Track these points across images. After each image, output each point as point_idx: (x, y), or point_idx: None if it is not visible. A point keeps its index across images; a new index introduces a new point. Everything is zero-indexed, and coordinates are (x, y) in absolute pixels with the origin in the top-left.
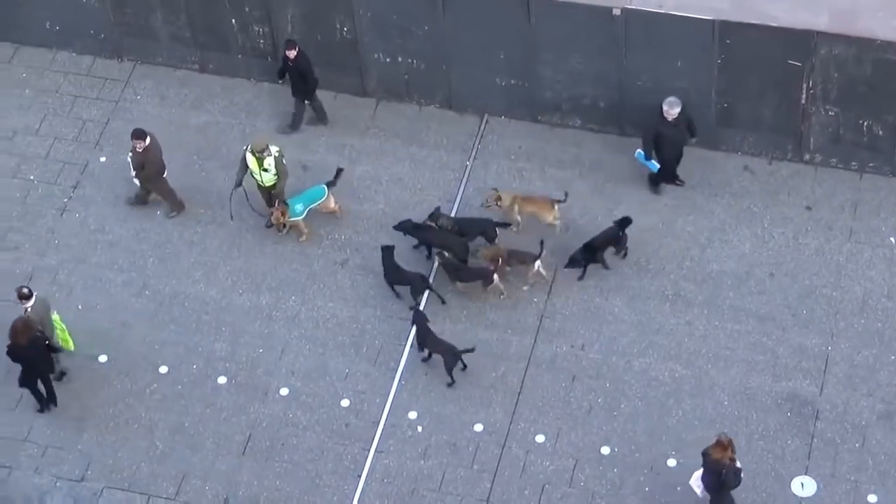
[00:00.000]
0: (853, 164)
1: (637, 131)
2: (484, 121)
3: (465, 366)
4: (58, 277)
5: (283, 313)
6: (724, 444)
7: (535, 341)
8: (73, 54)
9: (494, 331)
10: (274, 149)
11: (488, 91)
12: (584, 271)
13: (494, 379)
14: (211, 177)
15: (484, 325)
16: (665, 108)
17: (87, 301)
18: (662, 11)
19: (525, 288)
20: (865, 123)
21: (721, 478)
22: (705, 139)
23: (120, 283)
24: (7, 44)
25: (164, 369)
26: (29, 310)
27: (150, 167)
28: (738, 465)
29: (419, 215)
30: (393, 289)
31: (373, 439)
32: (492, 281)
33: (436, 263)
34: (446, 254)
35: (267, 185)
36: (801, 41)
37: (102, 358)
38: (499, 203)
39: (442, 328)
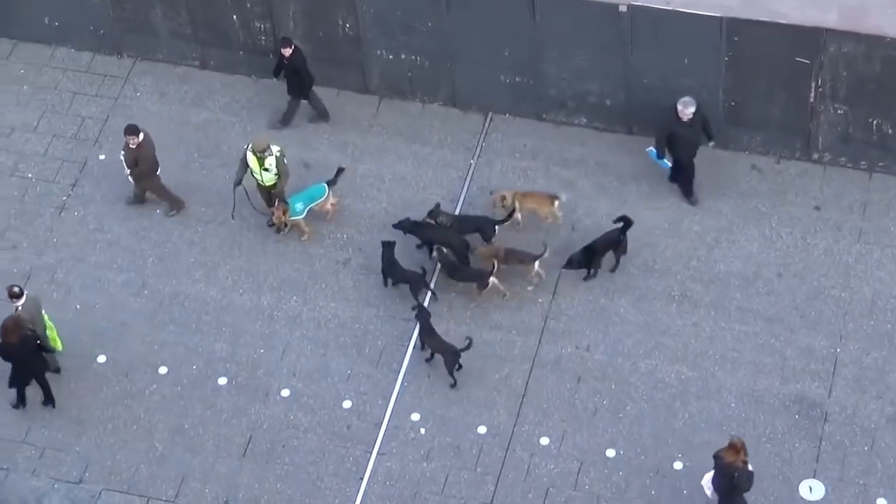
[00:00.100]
0: (862, 163)
1: (643, 130)
2: (488, 119)
3: (460, 365)
4: (56, 277)
5: (284, 313)
6: (736, 447)
7: (539, 342)
8: (72, 50)
9: (498, 332)
10: (275, 148)
11: (493, 88)
12: (590, 272)
13: (498, 380)
14: (211, 175)
15: (488, 326)
16: (679, 107)
17: (85, 301)
18: (669, 8)
19: (529, 288)
20: (875, 122)
21: (733, 481)
22: None
23: (119, 283)
24: (5, 40)
25: (163, 370)
26: (19, 308)
27: (143, 164)
28: (750, 468)
29: (422, 214)
30: (385, 281)
31: (375, 441)
32: (487, 284)
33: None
34: (445, 251)
35: (267, 184)
36: (809, 38)
37: (101, 358)
38: (504, 204)
39: (446, 329)
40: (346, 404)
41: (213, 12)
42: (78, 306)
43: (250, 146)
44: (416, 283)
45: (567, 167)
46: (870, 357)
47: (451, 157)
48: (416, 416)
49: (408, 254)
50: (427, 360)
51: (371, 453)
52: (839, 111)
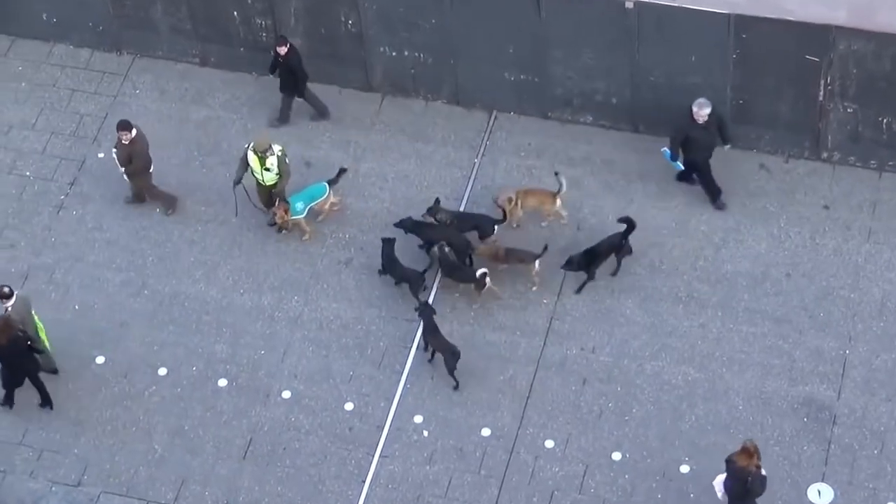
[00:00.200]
0: (872, 162)
1: (650, 128)
2: (492, 117)
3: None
4: (54, 276)
5: (285, 314)
6: (749, 451)
7: (544, 343)
8: (71, 47)
9: (503, 333)
10: (277, 148)
11: (497, 86)
12: (587, 279)
13: (502, 382)
14: (212, 173)
15: (492, 327)
16: (695, 109)
17: (84, 301)
18: (676, 5)
19: (534, 289)
20: (885, 120)
21: (747, 485)
22: None
23: (118, 283)
24: (3, 36)
25: (163, 371)
26: (9, 309)
27: (137, 160)
28: (764, 472)
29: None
30: (382, 270)
31: (377, 444)
32: (484, 285)
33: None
34: (447, 249)
35: (268, 184)
36: (818, 36)
37: (100, 359)
38: (511, 204)
39: (449, 330)
40: (348, 406)
41: (213, 8)
42: (76, 306)
43: (251, 146)
44: (416, 281)
45: (573, 165)
46: (879, 359)
47: (454, 156)
48: (418, 419)
49: (409, 253)
50: (429, 361)
51: (373, 456)
52: (849, 109)
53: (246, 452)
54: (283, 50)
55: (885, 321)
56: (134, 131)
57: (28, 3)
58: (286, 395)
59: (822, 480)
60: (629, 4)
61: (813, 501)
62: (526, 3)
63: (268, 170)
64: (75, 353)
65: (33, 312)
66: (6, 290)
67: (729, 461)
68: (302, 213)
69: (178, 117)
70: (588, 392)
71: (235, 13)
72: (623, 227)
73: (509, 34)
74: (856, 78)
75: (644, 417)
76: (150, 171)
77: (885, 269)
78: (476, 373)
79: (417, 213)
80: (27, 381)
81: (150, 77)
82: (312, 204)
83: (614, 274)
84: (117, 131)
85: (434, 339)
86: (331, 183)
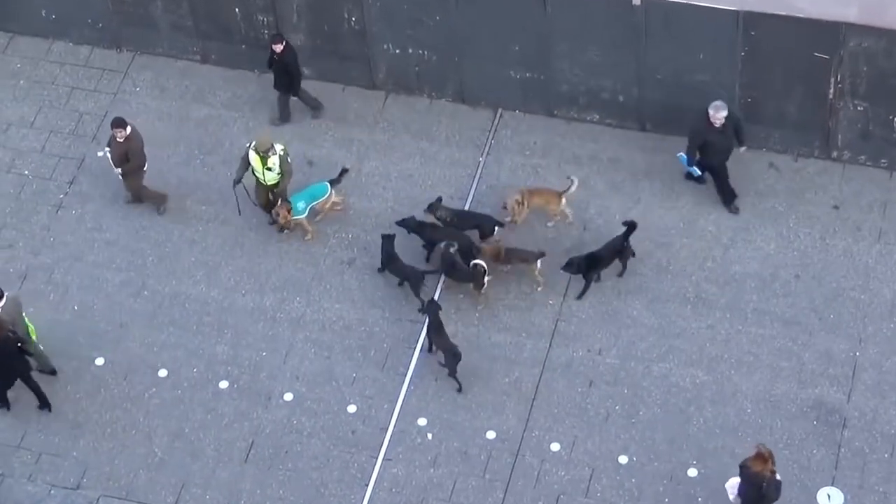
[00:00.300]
0: (883, 161)
1: (657, 126)
2: (497, 115)
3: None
4: (53, 277)
5: (287, 315)
6: (764, 457)
7: (550, 345)
8: (70, 44)
9: (508, 334)
10: (279, 147)
11: (502, 84)
12: (587, 286)
13: (508, 384)
14: (213, 172)
15: (497, 328)
16: (711, 112)
17: (83, 301)
18: (684, 1)
19: (539, 289)
20: None
21: (762, 491)
22: None
23: (118, 283)
24: (1, 33)
25: (163, 373)
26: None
27: (134, 159)
28: (778, 477)
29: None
30: (381, 268)
31: (380, 447)
32: (483, 284)
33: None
34: (453, 249)
35: (269, 183)
36: (828, 33)
37: (99, 361)
38: (519, 206)
39: (454, 331)
40: (351, 408)
41: (214, 5)
42: (75, 307)
43: (253, 145)
44: (416, 279)
45: (579, 164)
46: (890, 361)
47: (459, 155)
48: (422, 421)
49: (410, 252)
50: (429, 351)
51: (377, 459)
52: (859, 108)
53: (247, 456)
54: (278, 48)
55: (895, 323)
56: (129, 129)
57: None
58: (288, 397)
59: (832, 484)
60: (636, 1)
61: None
62: (531, 0)
63: (270, 169)
64: (74, 355)
65: (24, 314)
66: None
67: (743, 466)
68: (303, 213)
69: (178, 115)
70: (594, 394)
71: (237, 9)
72: (623, 229)
73: (515, 31)
74: (866, 76)
75: (651, 420)
76: (144, 169)
77: (895, 269)
78: (481, 375)
79: (421, 213)
80: (22, 383)
81: (151, 74)
82: (314, 203)
83: (621, 275)
84: (111, 129)
85: (437, 337)
86: (332, 183)
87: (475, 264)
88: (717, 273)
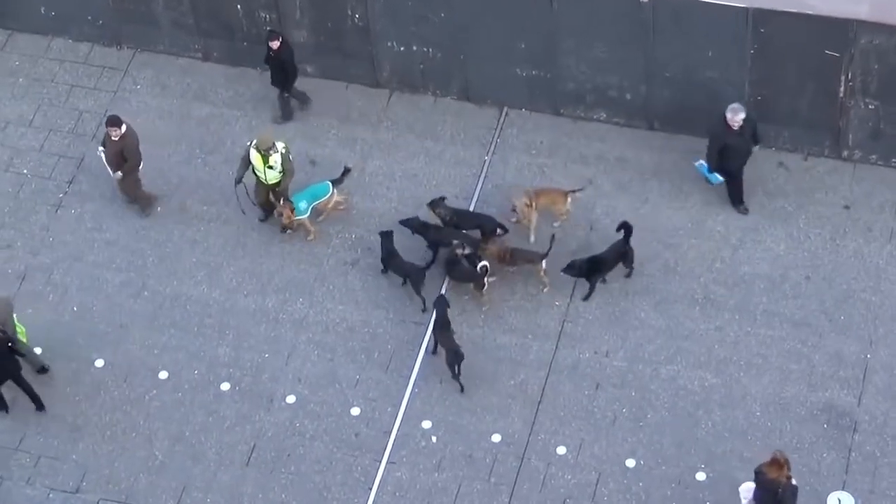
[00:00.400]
0: (894, 161)
1: (665, 125)
2: (503, 113)
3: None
4: (52, 277)
5: (289, 316)
6: (780, 463)
7: (556, 347)
8: (70, 41)
9: (514, 336)
10: (280, 145)
11: (508, 82)
12: (591, 290)
13: (513, 387)
14: (214, 171)
15: (503, 330)
16: (729, 115)
17: (83, 302)
18: None
19: (545, 290)
20: None
21: (777, 497)
22: None
23: (118, 284)
24: (0, 30)
25: (163, 375)
26: None
27: (131, 158)
28: (794, 482)
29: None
30: (384, 268)
31: (384, 450)
32: (484, 285)
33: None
34: (460, 251)
35: (270, 182)
36: (839, 30)
37: (99, 363)
38: (528, 208)
39: (459, 332)
40: (355, 411)
41: (216, 2)
42: (75, 308)
43: (254, 143)
44: (417, 277)
45: (585, 164)
46: None
47: (464, 154)
48: (427, 424)
49: (411, 252)
50: (432, 353)
51: (380, 462)
52: (870, 106)
53: (249, 459)
54: (275, 45)
55: None
56: (124, 127)
57: None
58: (290, 399)
59: (843, 489)
60: None
61: None
62: None
63: (271, 168)
64: (73, 356)
65: (14, 315)
66: None
67: (758, 473)
68: (305, 213)
69: (179, 114)
70: (601, 397)
71: (239, 7)
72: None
73: (520, 28)
74: (877, 74)
75: (659, 423)
76: (140, 168)
77: None
78: (486, 377)
79: (424, 213)
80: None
81: (151, 72)
82: (315, 203)
83: (628, 276)
84: (106, 127)
85: (442, 334)
86: (335, 183)
87: (482, 266)
88: (725, 274)
